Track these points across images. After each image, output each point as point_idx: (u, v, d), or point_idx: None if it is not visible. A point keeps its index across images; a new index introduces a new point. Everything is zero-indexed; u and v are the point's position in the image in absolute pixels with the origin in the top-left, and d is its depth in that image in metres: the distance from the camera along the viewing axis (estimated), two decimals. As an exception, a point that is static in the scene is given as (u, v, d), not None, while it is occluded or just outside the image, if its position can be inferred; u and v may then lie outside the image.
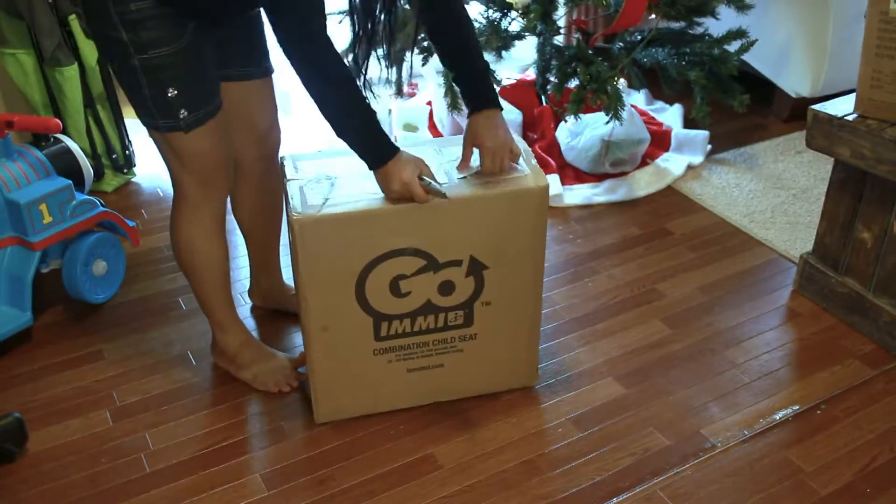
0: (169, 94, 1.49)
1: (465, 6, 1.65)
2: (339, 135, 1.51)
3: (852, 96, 1.86)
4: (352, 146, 1.52)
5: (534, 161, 1.63)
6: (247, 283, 2.13)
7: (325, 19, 1.46)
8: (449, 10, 1.61)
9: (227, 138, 1.66)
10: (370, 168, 1.52)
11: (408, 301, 1.62)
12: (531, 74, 2.95)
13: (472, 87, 1.66)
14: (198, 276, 1.74)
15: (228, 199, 1.88)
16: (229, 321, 1.83)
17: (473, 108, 1.64)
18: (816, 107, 1.91)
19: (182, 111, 1.52)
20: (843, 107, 1.88)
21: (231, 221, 1.86)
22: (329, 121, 1.49)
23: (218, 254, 1.73)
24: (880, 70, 1.77)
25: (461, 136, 1.65)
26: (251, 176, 1.85)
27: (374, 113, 1.50)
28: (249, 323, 2.05)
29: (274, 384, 1.82)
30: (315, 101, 1.48)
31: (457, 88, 2.44)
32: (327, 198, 1.52)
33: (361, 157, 1.52)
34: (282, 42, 1.43)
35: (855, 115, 1.85)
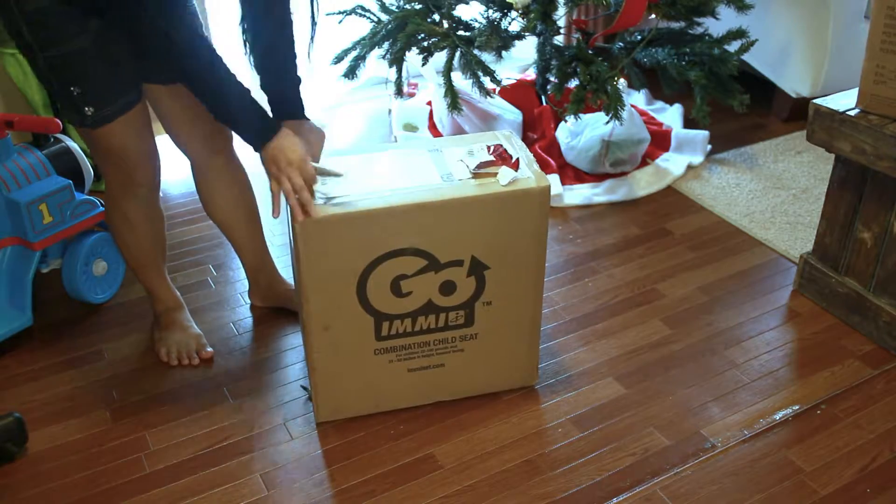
0: (73, 92, 1.51)
1: (290, 14, 1.60)
2: (218, 118, 1.53)
3: (855, 91, 1.86)
4: (234, 128, 1.54)
5: (535, 165, 1.62)
6: (245, 283, 2.14)
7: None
8: (268, 11, 1.58)
9: (146, 135, 1.67)
10: (255, 149, 1.53)
11: (409, 301, 1.62)
12: (531, 74, 2.95)
13: (277, 96, 1.66)
14: (125, 257, 1.88)
15: (199, 198, 1.93)
16: (155, 289, 1.93)
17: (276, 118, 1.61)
18: (818, 101, 1.91)
19: (87, 108, 1.54)
20: (844, 101, 1.88)
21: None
22: (208, 104, 1.51)
23: (136, 240, 1.82)
24: (884, 65, 1.77)
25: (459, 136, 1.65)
26: (212, 173, 1.86)
27: (248, 90, 1.50)
28: (247, 322, 2.05)
29: (165, 354, 1.91)
30: (192, 87, 1.50)
31: (457, 88, 2.47)
32: (329, 197, 1.52)
33: (244, 138, 1.53)
34: (149, 34, 1.43)
35: (857, 111, 1.84)
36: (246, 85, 1.51)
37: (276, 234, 2.37)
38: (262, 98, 1.59)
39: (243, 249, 2.00)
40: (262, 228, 2.00)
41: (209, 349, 1.92)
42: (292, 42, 1.63)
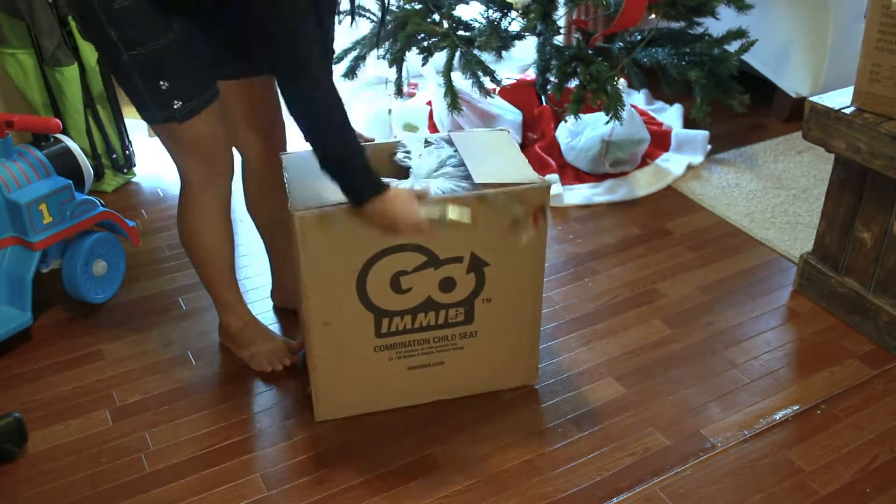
0: (162, 87, 1.53)
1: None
2: (320, 162, 1.45)
3: (850, 89, 1.86)
4: (333, 178, 1.45)
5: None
6: (255, 280, 2.14)
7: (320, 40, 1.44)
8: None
9: (226, 125, 1.68)
10: (352, 205, 1.46)
11: (409, 297, 1.62)
12: (531, 74, 2.95)
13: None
14: (201, 260, 1.79)
15: (244, 196, 1.93)
16: (232, 303, 1.87)
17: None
18: (814, 98, 1.91)
19: (176, 102, 1.55)
20: (840, 99, 1.88)
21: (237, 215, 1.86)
22: (313, 144, 1.44)
23: (221, 240, 1.77)
24: (880, 64, 1.77)
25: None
26: (259, 174, 1.87)
27: (360, 146, 1.44)
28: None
29: (268, 363, 1.87)
30: (301, 123, 1.43)
31: (457, 88, 2.47)
32: (327, 194, 1.52)
33: (343, 191, 1.46)
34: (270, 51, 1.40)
35: (852, 109, 1.85)
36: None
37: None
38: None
39: (276, 251, 2.01)
40: None
41: (294, 341, 1.94)
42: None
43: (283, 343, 1.91)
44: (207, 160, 1.67)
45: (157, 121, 1.59)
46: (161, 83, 1.52)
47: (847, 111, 1.84)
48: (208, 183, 1.70)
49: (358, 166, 1.45)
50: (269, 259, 2.05)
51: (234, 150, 1.78)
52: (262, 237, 2.01)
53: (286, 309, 2.09)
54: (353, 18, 1.77)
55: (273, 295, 2.11)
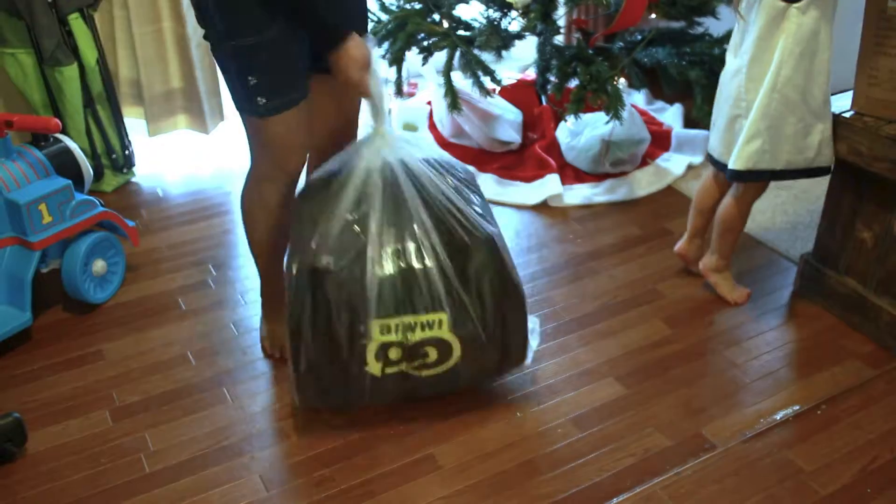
0: (249, 82, 1.56)
1: None
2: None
3: (850, 93, 1.86)
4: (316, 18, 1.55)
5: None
6: (245, 284, 2.13)
7: None
8: None
9: (308, 127, 1.70)
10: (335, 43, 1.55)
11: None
12: (531, 74, 2.95)
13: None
14: (255, 237, 1.83)
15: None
16: (273, 275, 1.88)
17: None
18: None
19: (260, 98, 1.58)
20: (840, 103, 1.89)
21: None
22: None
23: (267, 229, 1.81)
24: (877, 67, 1.77)
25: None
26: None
27: None
28: (247, 322, 2.05)
29: (269, 346, 1.93)
30: None
31: (457, 88, 2.47)
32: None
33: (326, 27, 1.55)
34: None
35: (852, 112, 1.85)
36: None
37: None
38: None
39: None
40: None
41: None
42: None
43: None
44: (279, 158, 1.70)
45: (242, 111, 1.65)
46: (249, 78, 1.56)
47: (847, 115, 1.84)
48: (273, 176, 1.74)
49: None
50: None
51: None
52: None
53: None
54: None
55: None
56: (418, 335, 1.59)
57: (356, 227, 1.58)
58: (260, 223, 1.80)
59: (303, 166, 1.76)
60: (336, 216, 1.59)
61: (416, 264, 1.58)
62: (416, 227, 1.59)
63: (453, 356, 1.64)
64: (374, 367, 1.61)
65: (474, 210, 1.66)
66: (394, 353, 1.60)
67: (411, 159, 1.65)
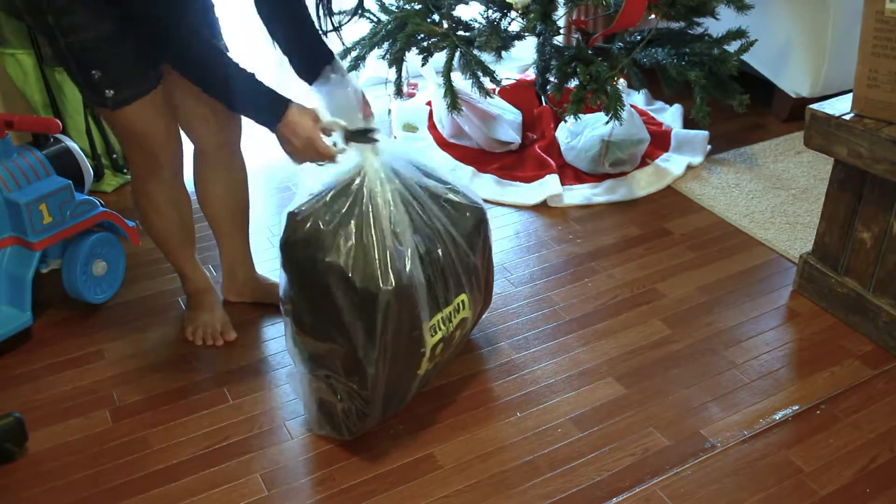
0: (94, 76, 1.57)
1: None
2: (231, 108, 1.57)
3: (850, 96, 1.86)
4: (247, 114, 1.57)
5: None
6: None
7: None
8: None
9: (170, 117, 1.72)
10: (271, 129, 1.55)
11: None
12: (531, 74, 2.95)
13: (305, 48, 1.69)
14: (154, 237, 1.91)
15: (194, 186, 1.96)
16: (184, 270, 1.97)
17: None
18: (814, 106, 1.91)
19: (107, 91, 1.59)
20: (840, 106, 1.89)
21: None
22: (219, 97, 1.55)
23: (164, 225, 1.87)
24: (877, 69, 1.77)
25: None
26: (216, 164, 1.91)
27: (253, 74, 1.54)
28: (247, 322, 2.05)
29: (191, 333, 1.97)
30: (199, 84, 1.55)
31: (457, 88, 2.47)
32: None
33: (259, 121, 1.55)
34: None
35: (852, 115, 1.85)
36: (248, 69, 1.55)
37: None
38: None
39: (225, 244, 2.04)
40: (248, 225, 2.05)
41: (233, 333, 1.98)
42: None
43: (221, 321, 1.97)
44: (147, 151, 1.72)
45: (94, 104, 1.65)
46: (93, 72, 1.56)
47: (847, 117, 1.84)
48: (150, 173, 1.76)
49: (260, 92, 1.53)
50: (223, 255, 2.06)
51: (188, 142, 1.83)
52: (212, 228, 2.03)
53: (241, 303, 2.11)
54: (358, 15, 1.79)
55: (224, 290, 2.11)
56: (453, 323, 1.67)
57: (394, 241, 1.56)
58: (158, 226, 1.87)
59: (176, 158, 1.78)
60: (370, 235, 1.55)
61: (441, 255, 1.61)
62: (427, 219, 1.62)
63: (467, 326, 1.73)
64: (423, 368, 1.65)
65: (455, 186, 1.72)
66: (439, 349, 1.66)
67: (395, 163, 1.64)
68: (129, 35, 1.56)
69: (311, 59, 1.69)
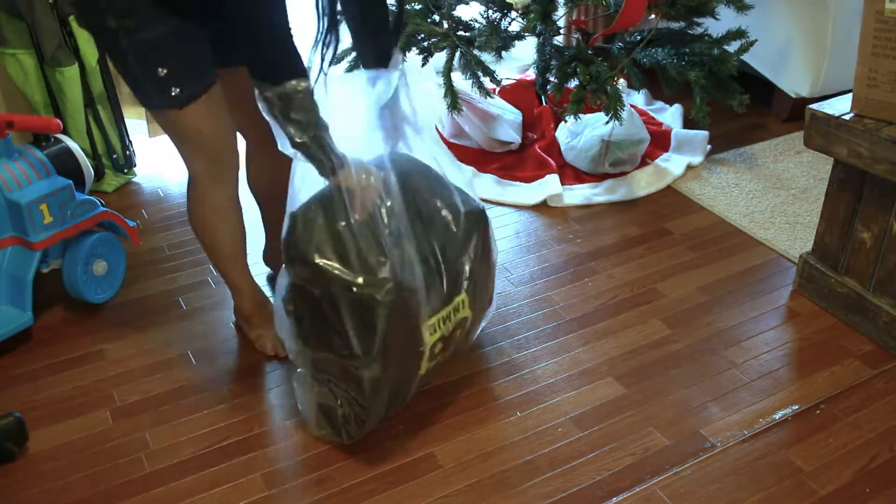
0: (160, 73, 1.54)
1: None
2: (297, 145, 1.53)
3: (850, 96, 1.87)
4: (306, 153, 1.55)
5: None
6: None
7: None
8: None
9: (228, 118, 1.70)
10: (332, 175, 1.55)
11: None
12: (531, 74, 2.95)
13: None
14: (213, 249, 1.84)
15: (244, 171, 1.96)
16: (244, 287, 1.92)
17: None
18: (814, 106, 1.91)
19: (174, 89, 1.57)
20: (840, 106, 1.89)
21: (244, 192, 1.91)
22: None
23: (231, 231, 1.81)
24: (876, 69, 1.77)
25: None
26: (263, 149, 1.90)
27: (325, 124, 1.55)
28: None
29: (271, 348, 1.92)
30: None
31: (457, 88, 2.47)
32: None
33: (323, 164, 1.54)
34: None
35: (852, 115, 1.85)
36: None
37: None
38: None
39: (270, 217, 2.07)
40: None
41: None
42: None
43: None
44: (212, 153, 1.69)
45: (158, 107, 1.61)
46: (159, 70, 1.54)
47: (847, 117, 1.84)
48: (214, 177, 1.73)
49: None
50: (266, 226, 2.12)
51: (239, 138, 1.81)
52: (261, 207, 2.08)
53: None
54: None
55: (265, 257, 2.18)
56: (452, 322, 1.66)
57: (393, 241, 1.57)
58: (218, 229, 1.79)
59: (237, 159, 1.76)
60: (370, 235, 1.55)
61: (441, 255, 1.62)
62: (427, 219, 1.62)
63: (467, 326, 1.73)
64: (424, 367, 1.65)
65: (456, 186, 1.73)
66: (438, 348, 1.65)
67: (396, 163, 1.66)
68: (192, 30, 1.55)
69: (386, 42, 1.73)
